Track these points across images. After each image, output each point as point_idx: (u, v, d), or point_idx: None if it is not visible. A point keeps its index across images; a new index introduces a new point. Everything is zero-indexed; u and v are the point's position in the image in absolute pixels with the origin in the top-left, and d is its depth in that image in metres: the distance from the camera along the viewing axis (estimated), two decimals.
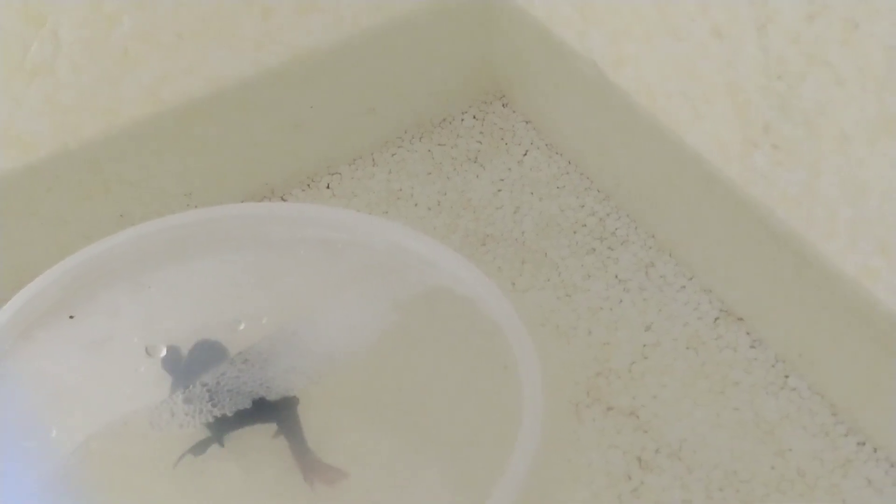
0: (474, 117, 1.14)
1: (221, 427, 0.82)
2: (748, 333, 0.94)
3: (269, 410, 0.83)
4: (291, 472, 0.81)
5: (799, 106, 0.78)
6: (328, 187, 1.08)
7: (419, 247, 0.88)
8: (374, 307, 0.87)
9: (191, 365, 0.85)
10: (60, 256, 0.86)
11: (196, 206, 1.01)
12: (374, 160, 1.10)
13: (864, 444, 0.87)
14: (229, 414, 0.82)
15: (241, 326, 0.86)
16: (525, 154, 1.10)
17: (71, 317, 0.85)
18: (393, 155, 1.10)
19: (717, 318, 0.95)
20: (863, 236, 0.79)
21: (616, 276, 0.99)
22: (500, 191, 1.06)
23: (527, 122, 1.12)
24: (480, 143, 1.11)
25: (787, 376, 0.91)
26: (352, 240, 0.89)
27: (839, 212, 0.79)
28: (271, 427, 0.83)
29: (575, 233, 1.02)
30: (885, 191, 0.75)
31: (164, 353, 0.85)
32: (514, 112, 1.14)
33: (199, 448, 0.82)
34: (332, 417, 0.83)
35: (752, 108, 0.82)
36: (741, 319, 0.94)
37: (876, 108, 0.72)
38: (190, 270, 0.88)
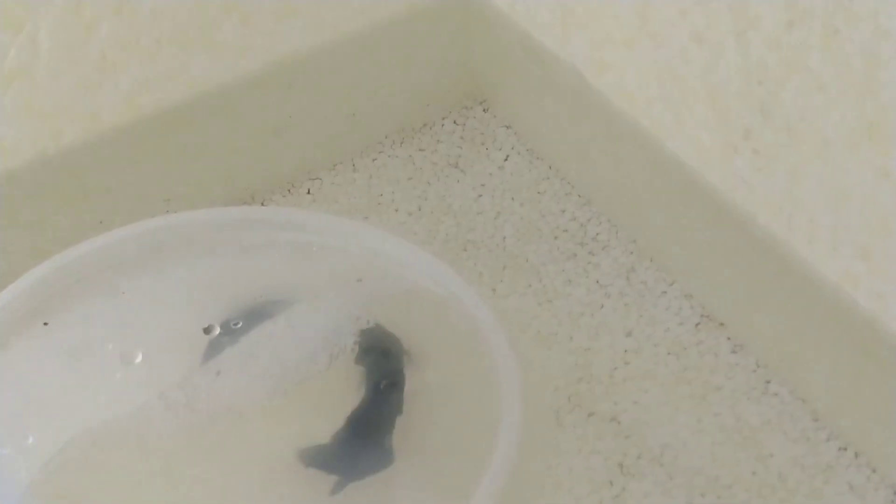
0: (455, 122, 1.14)
1: None
2: (729, 339, 0.94)
3: None
4: (274, 477, 0.81)
5: (779, 111, 0.78)
6: (309, 193, 1.08)
7: (397, 251, 0.88)
8: (350, 311, 0.87)
9: None
10: (39, 263, 0.86)
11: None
12: (354, 165, 1.10)
13: (845, 449, 0.87)
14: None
15: (217, 331, 0.86)
16: (506, 159, 1.10)
17: (45, 324, 0.84)
18: (374, 160, 1.10)
19: (698, 324, 0.95)
20: (843, 242, 0.78)
21: (597, 282, 0.98)
22: (480, 196, 1.06)
23: (507, 128, 1.12)
24: (461, 148, 1.11)
25: (768, 382, 0.91)
26: (327, 243, 0.89)
27: (820, 217, 0.79)
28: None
29: (556, 238, 1.02)
30: (866, 196, 0.75)
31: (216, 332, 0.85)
32: (494, 117, 1.14)
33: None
34: (308, 423, 0.83)
35: (732, 114, 0.82)
36: (722, 325, 0.94)
37: (856, 113, 0.72)
38: (164, 276, 0.88)
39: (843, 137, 0.74)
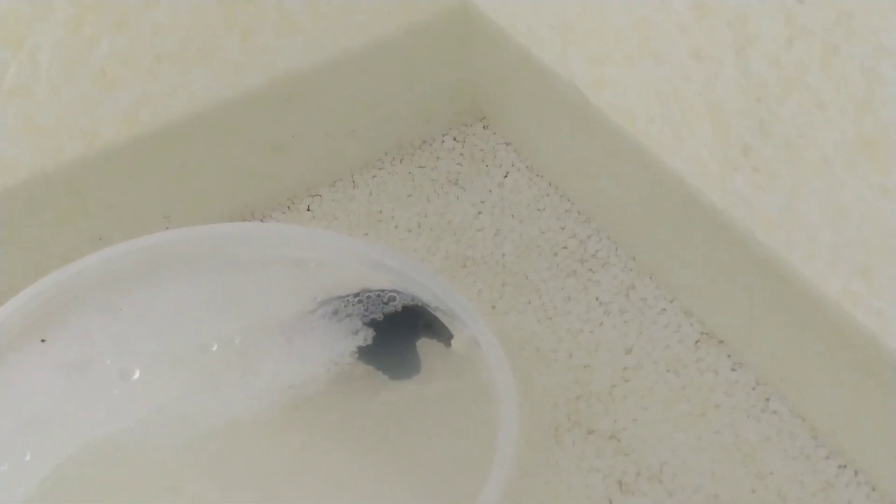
0: (455, 139, 1.14)
1: None
2: (729, 356, 0.93)
3: None
4: (267, 495, 0.81)
5: (779, 129, 0.78)
6: (309, 209, 1.08)
7: (396, 267, 0.88)
8: (349, 327, 0.87)
9: None
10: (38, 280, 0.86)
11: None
12: (354, 182, 1.10)
13: (845, 467, 0.86)
14: None
15: (214, 348, 0.86)
16: (506, 176, 1.10)
17: (42, 340, 0.84)
18: (373, 177, 1.10)
19: (697, 341, 0.95)
20: (843, 259, 0.78)
21: (597, 299, 0.98)
22: (480, 213, 1.06)
23: (507, 144, 1.12)
24: (461, 165, 1.11)
25: (768, 399, 0.91)
26: (326, 259, 0.89)
27: (819, 235, 0.79)
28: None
29: (555, 255, 1.02)
30: (865, 214, 0.75)
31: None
32: (494, 134, 1.14)
33: None
34: (307, 441, 0.83)
35: (732, 131, 0.82)
36: (722, 342, 0.94)
37: (855, 130, 0.72)
38: (161, 292, 0.88)
39: (842, 155, 0.74)
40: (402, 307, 0.88)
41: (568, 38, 0.96)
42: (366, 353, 0.86)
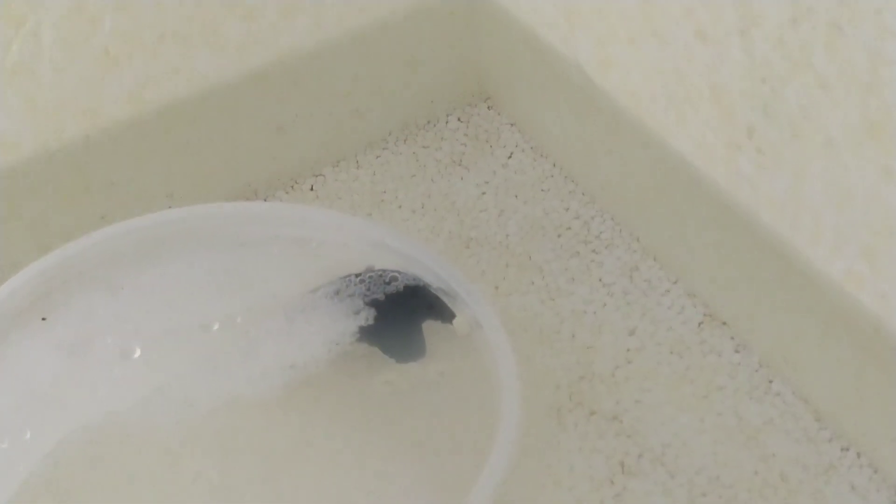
0: (459, 119, 1.13)
1: None
2: (732, 338, 0.93)
3: None
4: (267, 475, 0.81)
5: (783, 110, 0.78)
6: (312, 189, 1.07)
7: (399, 247, 0.88)
8: (350, 307, 0.87)
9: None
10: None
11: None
12: (358, 162, 1.10)
13: (847, 449, 0.86)
14: None
15: (216, 327, 0.86)
16: (510, 157, 1.09)
17: (43, 319, 0.84)
18: (377, 157, 1.10)
19: (701, 323, 0.94)
20: (847, 241, 0.78)
21: (600, 280, 0.98)
22: (484, 193, 1.06)
23: (512, 125, 1.12)
24: (465, 145, 1.11)
25: (771, 381, 0.90)
26: (328, 239, 0.89)
27: (824, 217, 0.79)
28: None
29: (559, 236, 1.02)
30: (870, 196, 0.74)
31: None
32: (498, 114, 1.13)
33: None
34: (307, 421, 0.83)
35: (736, 112, 0.82)
36: (725, 324, 0.94)
37: (860, 112, 0.72)
38: (163, 271, 0.88)
39: (846, 136, 0.74)
40: (404, 287, 0.88)
41: (572, 19, 0.95)
42: (367, 334, 0.86)
